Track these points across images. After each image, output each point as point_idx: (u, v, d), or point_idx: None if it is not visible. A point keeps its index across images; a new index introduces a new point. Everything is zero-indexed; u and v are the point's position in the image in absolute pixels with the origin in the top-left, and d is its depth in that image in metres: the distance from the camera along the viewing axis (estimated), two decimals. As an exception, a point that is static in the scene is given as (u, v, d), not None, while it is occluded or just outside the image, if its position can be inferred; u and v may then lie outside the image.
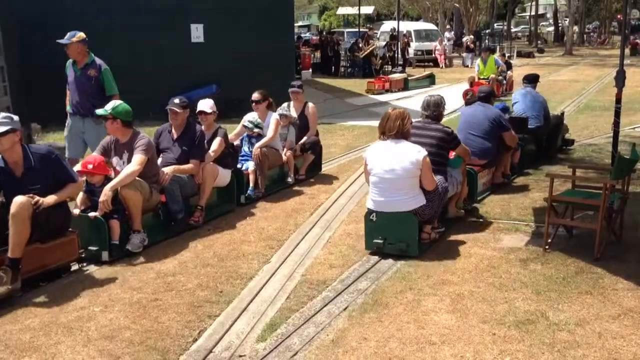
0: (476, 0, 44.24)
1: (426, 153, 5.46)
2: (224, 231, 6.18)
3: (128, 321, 4.24)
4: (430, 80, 20.81)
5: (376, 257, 5.46)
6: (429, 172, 5.48)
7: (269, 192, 7.42)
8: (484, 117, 7.36)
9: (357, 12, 31.86)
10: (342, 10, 49.15)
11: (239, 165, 7.25)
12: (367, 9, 46.95)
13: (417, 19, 48.80)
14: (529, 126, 8.45)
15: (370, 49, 24.61)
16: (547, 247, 5.52)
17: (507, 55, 30.88)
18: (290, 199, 7.30)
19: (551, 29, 59.81)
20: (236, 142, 7.52)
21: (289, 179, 7.83)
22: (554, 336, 4.00)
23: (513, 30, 54.91)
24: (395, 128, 5.47)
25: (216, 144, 6.64)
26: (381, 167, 5.44)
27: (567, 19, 43.44)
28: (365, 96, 17.92)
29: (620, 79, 6.04)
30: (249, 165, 7.25)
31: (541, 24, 63.36)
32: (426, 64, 28.68)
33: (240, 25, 12.99)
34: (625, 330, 4.04)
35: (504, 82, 17.35)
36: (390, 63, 25.72)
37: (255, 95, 7.78)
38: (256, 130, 7.48)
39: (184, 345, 3.96)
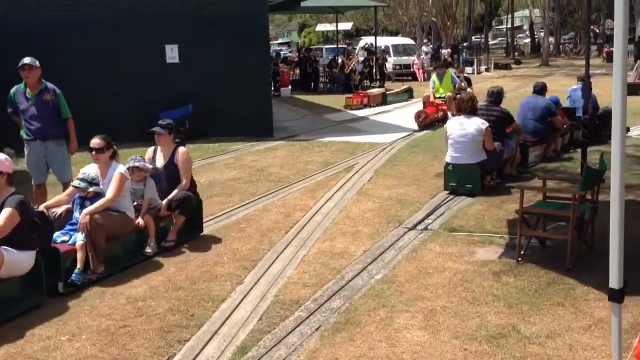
0: (453, 13, 44.88)
1: (488, 124, 7.92)
2: (197, 252, 6.12)
3: (95, 350, 4.16)
4: (409, 94, 20.93)
5: (350, 275, 5.45)
6: (490, 138, 7.90)
7: (116, 269, 5.57)
8: (537, 105, 9.78)
9: (335, 29, 32.04)
10: (321, 27, 49.45)
11: (64, 238, 5.43)
12: (346, 25, 47.30)
13: (396, 34, 49.24)
14: (577, 115, 10.24)
15: (353, 62, 24.75)
16: (519, 259, 5.54)
17: (484, 67, 31.18)
18: (265, 218, 7.25)
19: (528, 40, 60.69)
20: (66, 206, 5.78)
21: (148, 249, 5.94)
22: (525, 350, 3.99)
23: (490, 42, 55.63)
24: (468, 107, 8.03)
25: (2, 217, 4.67)
26: (457, 134, 7.96)
27: (543, 31, 44.07)
28: (343, 112, 17.96)
29: (587, 91, 6.12)
30: (77, 238, 5.36)
31: (518, 35, 64.24)
32: (404, 78, 28.90)
33: (215, 44, 12.98)
34: (595, 342, 4.04)
35: None
36: (368, 78, 25.89)
37: (96, 142, 5.81)
38: (92, 189, 5.66)
39: (152, 372, 3.90)
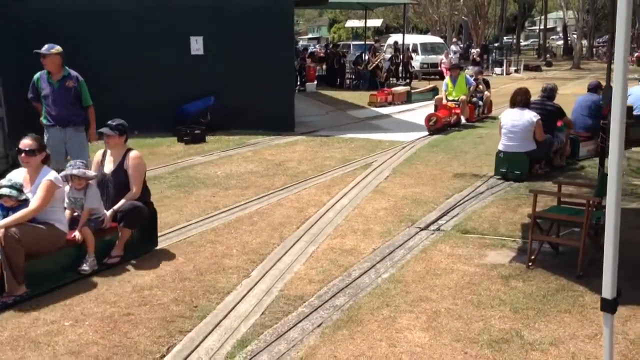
0: (485, 13, 44.34)
1: (539, 117, 8.68)
2: (207, 244, 6.14)
3: (97, 336, 4.20)
4: (434, 93, 20.64)
5: (357, 273, 5.42)
6: (540, 129, 8.66)
7: (44, 289, 4.88)
8: (591, 102, 10.24)
9: (364, 25, 31.89)
10: (351, 23, 49.26)
11: None
12: (376, 22, 47.03)
13: (426, 32, 48.82)
14: (636, 113, 10.36)
15: (378, 60, 24.61)
16: (530, 263, 5.45)
17: (514, 68, 30.56)
18: (277, 212, 7.26)
19: (560, 42, 59.72)
20: None
21: (85, 266, 5.21)
22: (527, 356, 3.93)
23: (522, 43, 54.82)
24: (522, 101, 8.81)
25: None
26: (510, 124, 8.73)
27: (576, 33, 43.29)
28: (367, 109, 17.89)
29: (608, 96, 5.98)
30: None
31: (551, 37, 63.25)
32: (432, 77, 28.67)
33: (239, 37, 13.02)
34: (600, 351, 3.95)
35: (480, 103, 15.01)
36: (395, 76, 25.75)
37: (27, 143, 5.09)
38: (23, 197, 4.97)
39: (151, 361, 3.93)
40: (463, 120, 14.14)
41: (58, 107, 7.14)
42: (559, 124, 9.37)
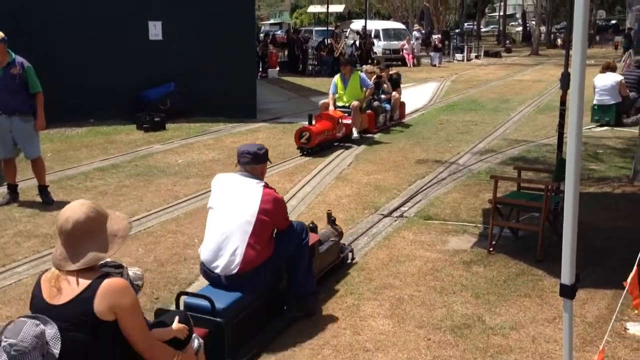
0: (445, -1, 44.64)
1: (622, 77, 12.15)
2: (168, 235, 6.04)
3: (54, 331, 4.09)
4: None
5: (320, 261, 5.39)
6: (624, 87, 11.84)
7: None
8: None
9: (327, 11, 31.79)
10: (313, 9, 49.05)
11: None
12: (338, 7, 46.92)
13: (389, 18, 48.96)
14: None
15: (342, 45, 24.55)
16: (491, 249, 5.52)
17: (474, 54, 30.67)
18: (240, 201, 7.17)
19: (520, 29, 60.57)
20: None
21: None
22: (488, 341, 3.98)
23: (483, 29, 55.41)
24: (609, 67, 12.14)
25: None
26: (601, 83, 11.90)
27: (535, 20, 43.94)
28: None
29: (564, 81, 6.08)
30: None
31: (510, 24, 64.10)
32: (394, 63, 28.75)
33: (200, 22, 12.79)
34: (559, 334, 4.02)
35: (387, 107, 11.92)
36: (358, 62, 25.75)
37: None
38: None
39: (111, 356, 3.83)
40: (355, 134, 10.63)
41: (3, 94, 6.86)
42: None
